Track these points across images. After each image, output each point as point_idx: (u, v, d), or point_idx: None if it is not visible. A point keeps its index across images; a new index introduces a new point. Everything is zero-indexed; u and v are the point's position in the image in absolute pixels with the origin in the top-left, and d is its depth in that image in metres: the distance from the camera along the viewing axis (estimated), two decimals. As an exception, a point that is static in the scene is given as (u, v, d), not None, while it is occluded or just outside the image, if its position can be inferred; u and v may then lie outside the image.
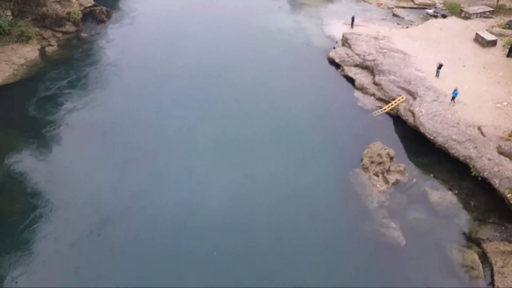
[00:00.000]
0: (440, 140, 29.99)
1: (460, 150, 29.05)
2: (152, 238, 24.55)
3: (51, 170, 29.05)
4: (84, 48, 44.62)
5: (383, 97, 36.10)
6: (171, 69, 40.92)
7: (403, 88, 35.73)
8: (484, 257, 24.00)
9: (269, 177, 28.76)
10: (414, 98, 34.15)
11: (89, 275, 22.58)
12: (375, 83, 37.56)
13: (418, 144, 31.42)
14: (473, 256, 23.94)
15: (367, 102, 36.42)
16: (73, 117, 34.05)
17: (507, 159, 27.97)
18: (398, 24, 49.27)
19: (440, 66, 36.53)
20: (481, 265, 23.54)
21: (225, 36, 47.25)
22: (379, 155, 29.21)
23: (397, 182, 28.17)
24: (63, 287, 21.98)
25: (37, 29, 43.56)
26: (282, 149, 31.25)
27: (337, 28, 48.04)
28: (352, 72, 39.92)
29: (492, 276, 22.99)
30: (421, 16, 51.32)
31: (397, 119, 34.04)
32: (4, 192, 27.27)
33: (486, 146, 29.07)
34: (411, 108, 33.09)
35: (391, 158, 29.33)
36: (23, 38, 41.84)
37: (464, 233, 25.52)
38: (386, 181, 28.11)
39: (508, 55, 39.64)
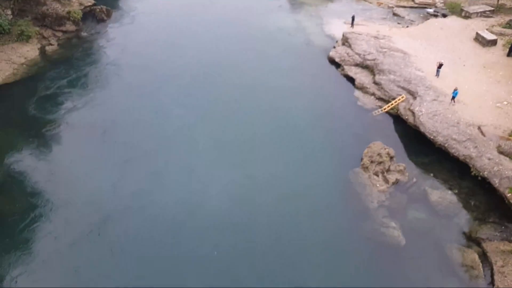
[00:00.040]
0: (440, 139, 29.98)
1: (460, 149, 29.05)
2: (152, 238, 24.56)
3: (51, 169, 29.06)
4: (84, 47, 44.60)
5: (383, 97, 36.09)
6: (171, 68, 40.90)
7: (403, 88, 35.71)
8: (484, 256, 24.01)
9: (269, 176, 28.76)
10: (414, 98, 34.14)
11: (89, 275, 22.59)
12: (375, 83, 37.54)
13: (418, 144, 31.41)
14: (473, 256, 23.95)
15: (367, 101, 36.41)
16: (73, 116, 34.05)
17: (507, 158, 27.96)
18: (398, 23, 49.22)
19: (440, 66, 36.51)
20: (481, 264, 23.55)
21: (225, 36, 47.21)
22: (379, 154, 29.20)
23: (397, 182, 28.17)
24: (63, 287, 21.99)
25: (37, 28, 43.54)
26: (282, 149, 31.25)
27: (337, 28, 47.97)
28: (352, 71, 39.89)
29: (492, 275, 23.01)
30: (421, 15, 51.26)
31: (397, 119, 34.03)
32: (4, 191, 27.27)
33: (486, 146, 29.06)
34: (411, 108, 33.07)
35: (391, 158, 29.32)
36: (23, 37, 41.82)
37: (464, 233, 25.53)
38: (386, 180, 28.11)
39: (508, 55, 39.60)
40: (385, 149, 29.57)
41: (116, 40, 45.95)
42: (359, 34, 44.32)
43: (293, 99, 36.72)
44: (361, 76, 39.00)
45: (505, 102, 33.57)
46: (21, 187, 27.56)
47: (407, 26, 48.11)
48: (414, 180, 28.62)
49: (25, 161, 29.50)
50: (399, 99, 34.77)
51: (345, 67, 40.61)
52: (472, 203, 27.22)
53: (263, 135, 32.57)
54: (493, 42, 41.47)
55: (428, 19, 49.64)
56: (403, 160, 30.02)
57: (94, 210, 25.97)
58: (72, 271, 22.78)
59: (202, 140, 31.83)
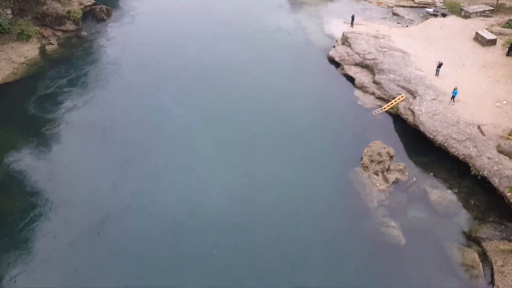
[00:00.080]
0: (439, 139, 29.98)
1: (459, 149, 29.05)
2: (152, 237, 24.54)
3: (50, 168, 29.04)
4: (84, 47, 44.56)
5: (383, 96, 36.09)
6: (171, 68, 40.87)
7: (403, 87, 35.71)
8: (484, 256, 24.03)
9: (269, 176, 28.75)
10: (414, 97, 34.14)
11: (89, 274, 22.57)
12: (375, 82, 37.53)
13: (418, 143, 31.41)
14: (473, 255, 23.96)
15: (367, 101, 36.40)
16: (73, 115, 34.03)
17: (507, 158, 27.96)
18: (398, 23, 49.19)
19: (440, 65, 36.51)
20: (481, 264, 23.57)
21: (225, 35, 47.18)
22: (379, 154, 29.20)
23: (397, 181, 28.18)
24: (63, 286, 21.97)
25: (37, 28, 43.47)
26: (282, 148, 31.23)
27: (337, 27, 47.94)
28: (352, 71, 39.89)
29: (492, 275, 23.03)
30: (421, 15, 51.24)
31: (397, 118, 34.02)
32: (3, 190, 27.25)
33: (485, 145, 29.06)
34: (411, 107, 33.07)
35: (391, 157, 29.33)
36: (23, 37, 41.77)
37: (464, 232, 25.54)
38: (386, 180, 28.11)
39: (507, 54, 39.59)
40: (385, 148, 29.57)
41: (116, 40, 45.91)
42: (359, 33, 44.31)
43: (293, 98, 36.70)
44: (361, 76, 38.99)
45: (505, 102, 33.57)
46: (20, 186, 27.54)
47: (407, 26, 48.09)
48: (414, 179, 28.63)
49: (24, 160, 29.48)
50: (399, 99, 34.77)
51: (345, 66, 40.60)
52: (472, 202, 27.23)
53: (263, 134, 32.55)
54: (493, 42, 41.46)
55: (428, 18, 49.61)
56: (403, 160, 30.02)
57: (94, 209, 25.95)
58: (71, 271, 22.77)
59: (202, 139, 31.80)
